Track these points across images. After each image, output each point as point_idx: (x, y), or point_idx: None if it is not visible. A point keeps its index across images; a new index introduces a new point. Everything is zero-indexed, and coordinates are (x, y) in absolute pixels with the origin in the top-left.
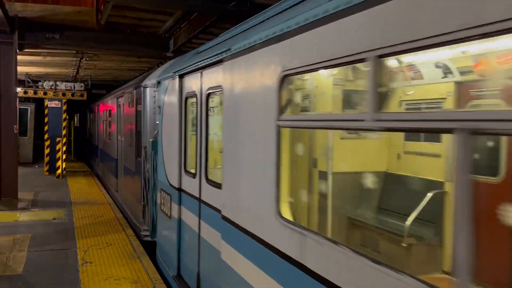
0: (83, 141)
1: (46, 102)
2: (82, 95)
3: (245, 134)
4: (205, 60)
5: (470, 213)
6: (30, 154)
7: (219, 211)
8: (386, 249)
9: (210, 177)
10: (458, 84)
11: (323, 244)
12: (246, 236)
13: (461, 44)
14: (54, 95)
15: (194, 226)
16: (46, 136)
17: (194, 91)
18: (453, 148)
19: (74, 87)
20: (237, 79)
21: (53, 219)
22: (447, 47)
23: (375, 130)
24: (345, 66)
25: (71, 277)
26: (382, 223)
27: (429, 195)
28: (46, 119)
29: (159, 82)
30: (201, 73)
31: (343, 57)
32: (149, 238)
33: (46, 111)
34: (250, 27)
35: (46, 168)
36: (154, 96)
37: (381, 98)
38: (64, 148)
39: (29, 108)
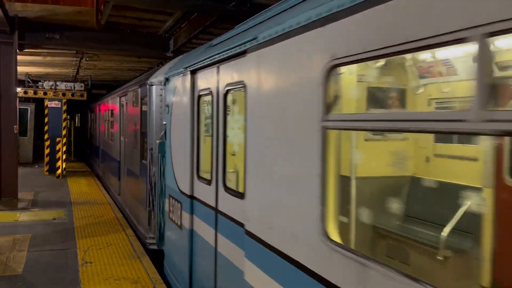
0: (83, 141)
1: (46, 102)
2: (82, 95)
3: (276, 137)
4: (224, 53)
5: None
6: (30, 154)
7: (241, 225)
8: (418, 261)
9: (228, 184)
10: None
11: (394, 279)
12: (278, 257)
13: None
14: (54, 95)
15: (209, 239)
16: (46, 136)
17: (209, 88)
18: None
19: (74, 87)
20: (265, 72)
21: (53, 219)
22: None
23: (482, 134)
24: (430, 50)
25: (71, 277)
26: (411, 232)
27: (467, 202)
28: (46, 119)
29: (167, 79)
30: (218, 68)
31: (431, 37)
32: (155, 247)
33: (46, 111)
34: (283, 11)
35: (46, 168)
36: (161, 95)
37: (492, 90)
38: (64, 148)
39: (29, 108)
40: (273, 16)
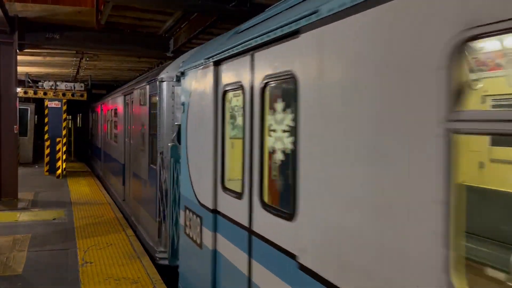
0: (85, 142)
1: (46, 102)
2: (82, 95)
3: (354, 144)
4: (262, 37)
5: None
6: (30, 154)
7: (291, 255)
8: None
9: (268, 200)
10: None
11: None
12: None
13: None
14: (54, 95)
15: (240, 266)
16: (46, 136)
17: (239, 82)
18: None
19: (74, 87)
20: (331, 56)
21: (53, 219)
22: None
23: None
24: None
25: (71, 277)
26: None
27: None
28: (46, 119)
29: (182, 74)
30: (252, 56)
31: None
32: (166, 262)
33: (46, 111)
34: None
35: (46, 168)
36: (173, 92)
37: None
38: (64, 148)
39: (29, 108)
40: None
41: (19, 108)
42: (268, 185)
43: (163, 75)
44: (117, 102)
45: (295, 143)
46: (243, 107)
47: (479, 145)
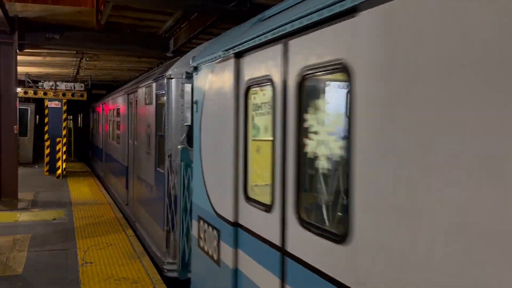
0: (85, 142)
1: (46, 103)
2: (82, 95)
3: (453, 152)
4: (303, 19)
5: None
6: (30, 154)
7: (341, 285)
8: None
9: (307, 216)
10: None
11: None
12: None
13: None
14: (54, 95)
15: None
16: (46, 136)
17: (268, 76)
18: None
19: (74, 87)
20: (406, 40)
21: (53, 219)
22: None
23: None
24: None
25: (71, 277)
26: None
27: None
28: (46, 119)
29: (195, 69)
30: (285, 44)
31: None
32: (175, 275)
33: (46, 111)
34: None
35: (46, 168)
36: (182, 90)
37: None
38: (64, 149)
39: (29, 108)
40: None
41: (19, 108)
42: (307, 197)
43: (171, 71)
44: (119, 101)
45: (348, 147)
46: (273, 105)
47: None
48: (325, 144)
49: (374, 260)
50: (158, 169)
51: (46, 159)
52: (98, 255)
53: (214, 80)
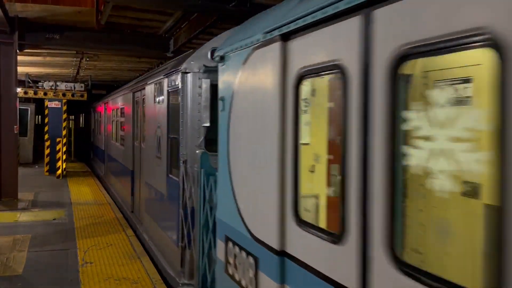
0: (86, 143)
1: (46, 103)
2: (82, 96)
3: None
4: None
5: None
6: (30, 154)
7: None
8: None
9: (407, 257)
10: None
11: None
12: None
13: None
14: (54, 96)
15: None
16: (46, 137)
17: (336, 61)
18: None
19: (74, 88)
20: None
21: (53, 219)
22: None
23: None
24: None
25: (71, 277)
26: None
27: None
28: (46, 120)
29: (222, 58)
30: (367, 15)
31: None
32: None
33: (46, 112)
34: None
35: (46, 169)
36: (200, 86)
37: None
38: (64, 149)
39: (29, 108)
40: None
41: (19, 108)
42: (411, 228)
43: (187, 65)
44: (124, 100)
45: (504, 157)
46: (344, 99)
47: None
48: (446, 153)
49: None
50: (170, 175)
51: (46, 159)
52: (98, 255)
53: (249, 71)
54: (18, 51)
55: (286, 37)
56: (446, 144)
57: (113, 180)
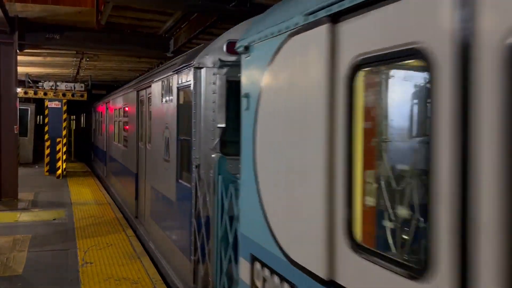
0: (87, 143)
1: (46, 103)
2: (82, 96)
3: None
4: None
5: None
6: (30, 154)
7: None
8: None
9: None
10: None
11: None
12: None
13: None
14: (54, 96)
15: None
16: (46, 137)
17: (417, 43)
18: None
19: (74, 88)
20: None
21: (54, 219)
22: None
23: None
24: None
25: (71, 277)
26: None
27: None
28: (46, 120)
29: (247, 48)
30: None
31: None
32: None
33: (46, 112)
34: None
35: (46, 169)
36: (214, 82)
37: None
38: (65, 149)
39: (29, 108)
40: None
41: (19, 109)
42: None
43: (200, 59)
44: (127, 99)
45: None
46: (431, 92)
47: None
48: None
49: None
50: (180, 181)
51: (46, 159)
52: (98, 255)
53: (283, 62)
54: (18, 51)
55: (335, 19)
56: None
57: (115, 182)
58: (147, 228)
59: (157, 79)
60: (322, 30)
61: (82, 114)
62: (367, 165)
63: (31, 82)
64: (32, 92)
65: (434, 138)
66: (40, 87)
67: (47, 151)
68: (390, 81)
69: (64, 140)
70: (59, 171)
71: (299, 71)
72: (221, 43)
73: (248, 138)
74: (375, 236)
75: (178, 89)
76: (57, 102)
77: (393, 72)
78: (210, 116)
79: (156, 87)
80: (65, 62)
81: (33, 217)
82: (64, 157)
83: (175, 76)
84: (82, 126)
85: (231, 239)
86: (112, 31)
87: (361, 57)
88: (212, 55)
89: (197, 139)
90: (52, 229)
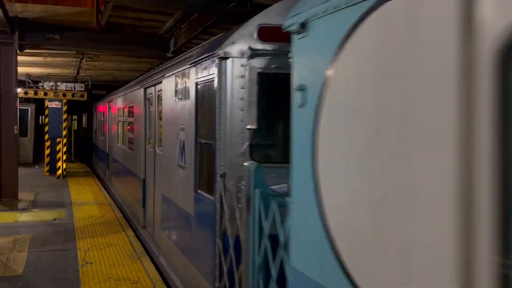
0: (88, 144)
1: (47, 103)
2: (82, 96)
3: None
4: None
5: None
6: (31, 154)
7: None
8: None
9: None
10: None
11: None
12: None
13: None
14: (54, 96)
15: None
16: (46, 137)
17: None
18: None
19: (75, 88)
20: None
21: (54, 219)
22: None
23: None
24: None
25: (71, 277)
26: None
27: None
28: (46, 120)
29: (303, 26)
30: None
31: None
32: None
33: (46, 112)
34: None
35: (46, 169)
36: (243, 76)
37: None
38: (65, 149)
39: (29, 108)
40: None
41: (19, 109)
42: None
43: (226, 48)
44: (133, 97)
45: None
46: None
47: None
48: None
49: None
50: (199, 191)
51: (47, 160)
52: (98, 256)
53: (366, 41)
54: (18, 51)
55: None
56: None
57: (119, 188)
58: (156, 240)
59: (169, 74)
60: None
61: (84, 114)
62: None
63: (31, 82)
64: (32, 92)
65: None
66: (40, 87)
67: (47, 151)
68: None
69: (64, 140)
70: (59, 171)
71: (393, 52)
72: (250, 28)
73: (303, 144)
74: None
75: (197, 84)
76: (57, 102)
77: None
78: (238, 115)
79: (168, 83)
80: (65, 62)
81: (33, 217)
82: (64, 157)
83: (193, 70)
84: (84, 126)
85: (273, 272)
86: (112, 31)
87: None
88: (240, 43)
89: (222, 143)
90: (52, 229)
